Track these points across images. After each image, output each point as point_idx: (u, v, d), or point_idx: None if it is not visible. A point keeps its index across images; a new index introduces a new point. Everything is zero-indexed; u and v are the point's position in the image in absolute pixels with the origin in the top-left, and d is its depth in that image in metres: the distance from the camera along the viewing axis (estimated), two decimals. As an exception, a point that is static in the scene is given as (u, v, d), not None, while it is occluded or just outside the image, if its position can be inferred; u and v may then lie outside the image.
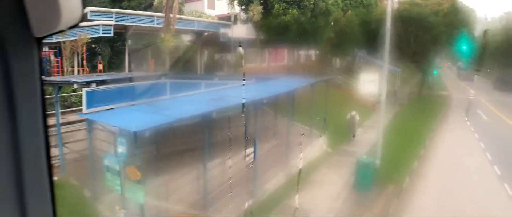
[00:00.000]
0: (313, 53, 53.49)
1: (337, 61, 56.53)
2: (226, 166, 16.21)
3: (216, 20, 36.14)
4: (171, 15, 22.88)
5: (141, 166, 11.58)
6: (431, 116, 36.97)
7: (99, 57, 28.87)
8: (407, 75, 52.78)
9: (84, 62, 26.62)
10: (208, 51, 38.12)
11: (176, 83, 18.34)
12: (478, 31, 50.20)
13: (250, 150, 15.62)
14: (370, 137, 26.21)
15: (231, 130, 19.94)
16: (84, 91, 14.46)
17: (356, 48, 53.40)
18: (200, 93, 16.31)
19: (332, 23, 41.90)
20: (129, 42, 30.96)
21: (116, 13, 26.89)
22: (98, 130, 13.32)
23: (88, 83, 14.36)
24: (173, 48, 42.41)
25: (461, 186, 19.13)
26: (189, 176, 14.13)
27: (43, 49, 24.88)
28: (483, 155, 24.88)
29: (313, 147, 21.73)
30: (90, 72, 26.07)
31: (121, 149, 11.22)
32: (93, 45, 28.75)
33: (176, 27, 28.17)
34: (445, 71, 71.49)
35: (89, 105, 14.01)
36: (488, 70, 70.98)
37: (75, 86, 15.53)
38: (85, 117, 12.79)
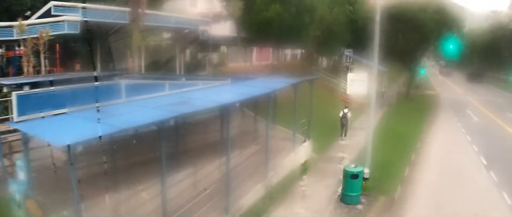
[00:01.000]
0: (299, 52, 52.08)
1: (324, 60, 55.27)
2: (193, 179, 14.36)
3: (195, 17, 34.15)
4: (140, 10, 20.79)
5: (52, 197, 9.66)
6: (420, 117, 35.66)
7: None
8: (394, 75, 51.64)
9: (58, 61, 24.55)
10: (186, 50, 36.20)
11: (135, 84, 16.43)
12: (466, 28, 49.25)
13: (225, 158, 13.78)
14: (358, 140, 24.60)
15: (199, 136, 18.13)
16: (14, 95, 12.36)
17: (343, 47, 52.14)
18: (162, 96, 14.37)
19: (318, 21, 40.44)
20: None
21: (83, 8, 24.70)
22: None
23: (19, 86, 12.32)
24: (152, 47, 40.50)
25: (456, 195, 17.53)
26: (141, 195, 12.14)
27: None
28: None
29: (296, 153, 19.96)
30: (64, 72, 23.98)
31: (21, 175, 9.24)
32: (72, 44, 26.91)
33: (151, 24, 26.18)
34: (430, 70, 71.69)
35: (20, 112, 11.94)
36: (466, 67, 75.90)
37: (5, 89, 13.44)
38: (13, 127, 10.68)
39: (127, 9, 24.43)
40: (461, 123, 35.03)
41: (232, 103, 14.10)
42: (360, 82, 19.20)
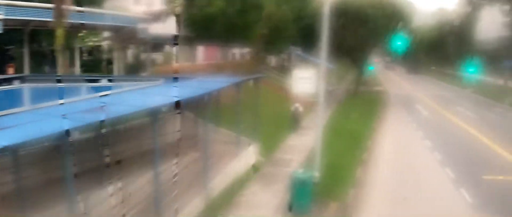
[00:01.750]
0: (248, 50, 50.75)
1: (273, 59, 54.27)
2: (120, 196, 12.45)
3: (135, 15, 31.97)
4: (63, 6, 18.60)
5: None
6: (370, 114, 35.03)
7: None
8: (343, 72, 51.26)
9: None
10: (126, 49, 34.01)
11: (42, 89, 14.33)
12: (414, 25, 49.70)
13: (156, 170, 12.03)
14: (308, 139, 23.35)
15: (132, 144, 16.21)
16: None
17: (291, 45, 51.21)
18: (75, 102, 12.41)
19: (265, 18, 39.38)
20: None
21: (7, 5, 22.15)
22: None
23: None
24: (90, 47, 37.99)
25: (413, 196, 16.56)
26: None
27: None
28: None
29: (241, 158, 18.41)
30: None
31: None
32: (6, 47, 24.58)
33: (79, 21, 23.84)
34: (378, 66, 73.16)
35: None
36: (409, 62, 79.76)
37: None
38: None
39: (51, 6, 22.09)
40: (411, 117, 34.79)
41: (159, 107, 12.31)
42: (307, 80, 17.93)
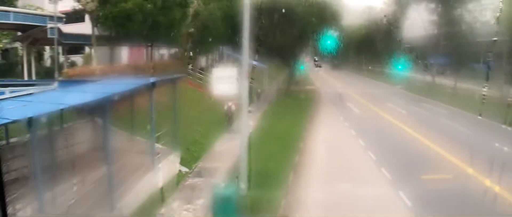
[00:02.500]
0: (176, 51, 48.46)
1: (203, 60, 52.28)
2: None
3: (47, 13, 28.81)
4: None
5: None
6: (301, 114, 33.97)
7: None
8: (275, 72, 50.29)
9: None
10: (37, 51, 30.83)
11: None
12: (344, 23, 49.70)
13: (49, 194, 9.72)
14: (237, 144, 21.49)
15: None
16: None
17: (220, 45, 49.48)
18: None
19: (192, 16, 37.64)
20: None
21: None
22: None
23: None
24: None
25: (350, 200, 15.28)
26: None
27: None
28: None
29: (159, 170, 16.24)
30: None
31: None
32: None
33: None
34: (308, 65, 73.83)
35: None
36: (336, 60, 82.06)
37: None
38: None
39: None
40: (343, 116, 34.06)
41: (37, 117, 9.97)
42: (228, 79, 16.11)
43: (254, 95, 32.23)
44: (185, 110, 22.25)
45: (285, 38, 41.69)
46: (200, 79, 37.46)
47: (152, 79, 15.92)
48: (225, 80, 16.75)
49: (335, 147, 24.39)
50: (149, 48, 39.92)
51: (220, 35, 41.70)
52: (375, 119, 33.08)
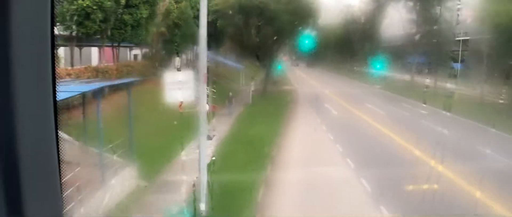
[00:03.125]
0: (147, 51, 46.55)
1: (177, 60, 50.58)
2: None
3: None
4: None
5: None
6: (277, 116, 32.50)
7: None
8: (252, 72, 48.98)
9: None
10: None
11: None
12: (322, 22, 48.79)
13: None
14: (206, 151, 19.82)
15: None
16: None
17: (193, 44, 47.89)
18: None
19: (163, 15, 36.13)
20: None
21: None
22: None
23: None
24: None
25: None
26: None
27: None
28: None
29: (113, 188, 14.45)
30: None
31: None
32: None
33: None
34: (286, 65, 73.14)
35: None
36: (313, 59, 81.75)
37: None
38: None
39: None
40: (320, 118, 32.76)
41: None
42: (184, 85, 14.38)
43: (225, 99, 30.78)
44: (151, 115, 20.58)
45: (261, 37, 40.60)
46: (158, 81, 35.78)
47: (101, 85, 14.15)
48: (177, 86, 15.01)
49: (311, 153, 23.13)
50: (119, 48, 38.09)
51: (192, 34, 40.17)
52: (353, 121, 31.96)
